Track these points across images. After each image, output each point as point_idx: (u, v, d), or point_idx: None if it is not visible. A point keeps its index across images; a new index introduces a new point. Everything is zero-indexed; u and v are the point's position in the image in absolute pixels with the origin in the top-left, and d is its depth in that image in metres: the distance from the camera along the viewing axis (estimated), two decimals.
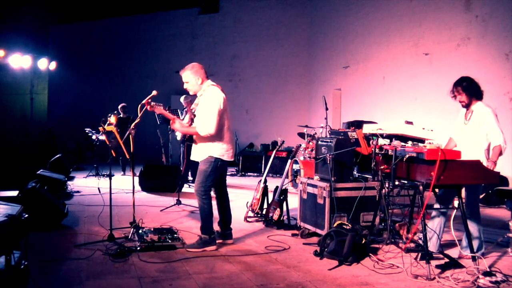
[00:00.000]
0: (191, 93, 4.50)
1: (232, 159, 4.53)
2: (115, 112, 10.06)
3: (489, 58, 7.96)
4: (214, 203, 4.55)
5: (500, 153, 3.99)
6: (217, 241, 4.53)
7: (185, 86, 4.46)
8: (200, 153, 4.45)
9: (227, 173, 11.36)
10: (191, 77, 4.40)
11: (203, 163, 4.43)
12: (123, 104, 10.32)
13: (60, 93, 15.94)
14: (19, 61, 13.24)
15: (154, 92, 4.80)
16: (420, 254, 3.97)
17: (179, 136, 8.85)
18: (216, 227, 4.67)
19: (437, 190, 4.12)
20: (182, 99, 8.95)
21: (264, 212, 5.66)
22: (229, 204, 4.73)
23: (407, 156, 3.84)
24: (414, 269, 3.80)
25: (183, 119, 8.97)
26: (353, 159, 4.88)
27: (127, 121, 9.96)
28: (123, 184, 8.49)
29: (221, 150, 4.39)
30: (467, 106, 4.20)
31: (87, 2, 16.03)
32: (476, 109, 4.11)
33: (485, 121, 4.03)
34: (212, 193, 4.52)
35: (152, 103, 4.48)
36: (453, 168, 3.63)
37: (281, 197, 5.51)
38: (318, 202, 4.74)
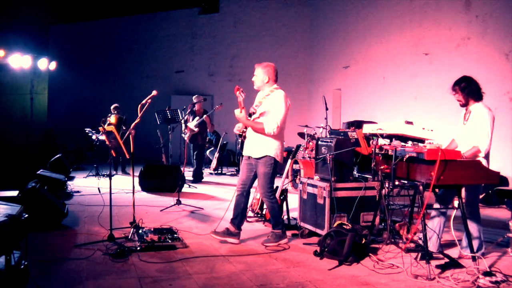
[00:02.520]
0: (255, 87, 4.68)
1: (282, 162, 4.65)
2: (109, 114, 10.13)
3: (489, 58, 7.96)
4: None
5: (474, 156, 3.98)
6: (223, 239, 4.62)
7: (253, 78, 4.66)
8: (257, 149, 4.56)
9: (228, 173, 11.44)
10: (261, 73, 4.60)
11: (263, 165, 4.51)
12: (115, 104, 10.31)
13: (60, 93, 15.92)
14: (19, 61, 13.23)
15: (154, 92, 4.82)
16: (420, 254, 3.97)
17: (186, 136, 8.90)
18: (226, 224, 4.72)
19: (437, 190, 4.12)
20: (194, 98, 8.99)
21: (264, 212, 5.66)
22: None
23: (407, 156, 3.84)
24: (414, 269, 3.80)
25: (192, 120, 9.12)
26: (353, 159, 4.88)
27: (119, 122, 10.00)
28: (123, 184, 8.49)
29: (277, 151, 4.54)
30: (464, 105, 4.21)
31: (87, 2, 16.02)
32: (475, 109, 4.11)
33: (481, 122, 4.02)
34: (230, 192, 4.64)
35: (241, 88, 4.59)
36: (453, 168, 3.64)
37: (281, 197, 5.50)
38: (318, 202, 4.74)
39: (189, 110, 8.92)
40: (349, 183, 4.75)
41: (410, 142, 4.10)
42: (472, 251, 3.80)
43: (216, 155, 11.06)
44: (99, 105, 13.63)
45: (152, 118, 8.99)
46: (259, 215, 5.76)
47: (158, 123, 9.18)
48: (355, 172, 5.08)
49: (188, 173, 10.02)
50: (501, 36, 7.77)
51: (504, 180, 7.27)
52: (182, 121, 8.14)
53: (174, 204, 6.50)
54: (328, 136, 5.79)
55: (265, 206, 5.71)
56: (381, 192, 4.37)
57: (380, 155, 4.24)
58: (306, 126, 9.02)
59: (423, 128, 4.11)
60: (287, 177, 5.96)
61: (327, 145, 4.81)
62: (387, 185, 4.15)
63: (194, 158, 9.44)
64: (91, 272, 3.66)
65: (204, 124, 9.08)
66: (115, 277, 3.57)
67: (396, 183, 4.00)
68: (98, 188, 7.34)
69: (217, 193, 8.03)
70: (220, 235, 4.65)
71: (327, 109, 9.09)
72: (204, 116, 8.95)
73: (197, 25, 14.93)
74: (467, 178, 3.74)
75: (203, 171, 9.95)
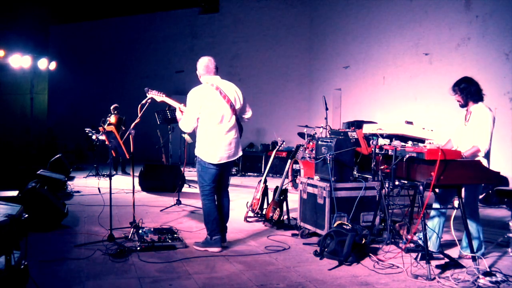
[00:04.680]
0: None
1: (218, 162, 4.30)
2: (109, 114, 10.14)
3: (489, 58, 7.96)
4: None
5: (474, 155, 3.98)
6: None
7: None
8: (195, 149, 4.46)
9: None
10: (197, 69, 4.48)
11: (196, 164, 4.44)
12: (115, 104, 10.32)
13: (60, 93, 15.94)
14: (19, 61, 13.24)
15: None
16: (420, 254, 3.97)
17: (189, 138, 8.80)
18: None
19: (436, 190, 4.12)
20: None
21: (264, 212, 5.66)
22: (226, 206, 4.58)
23: (407, 156, 3.84)
24: (414, 269, 3.80)
25: None
26: (353, 159, 4.88)
27: (119, 122, 10.02)
28: (123, 184, 8.49)
29: (202, 151, 4.33)
30: (463, 106, 4.20)
31: (87, 2, 16.03)
32: (475, 110, 4.10)
33: (481, 121, 4.01)
34: None
35: (150, 90, 4.64)
36: (453, 168, 3.63)
37: (281, 197, 5.51)
38: (318, 202, 4.74)
39: None
40: (349, 183, 4.75)
41: (410, 142, 4.10)
42: (472, 251, 3.80)
43: None
44: (99, 105, 13.64)
45: (152, 118, 8.98)
46: (259, 215, 5.76)
47: (158, 123, 9.17)
48: (355, 172, 5.08)
49: (188, 173, 10.02)
50: (501, 36, 7.77)
51: (504, 180, 7.27)
52: None
53: (174, 204, 6.51)
54: (328, 136, 5.80)
55: (265, 206, 5.73)
56: (381, 192, 4.37)
57: (380, 155, 4.24)
58: (306, 126, 9.02)
59: (423, 128, 4.11)
60: (287, 177, 5.96)
61: (327, 145, 4.81)
62: (387, 185, 4.15)
63: None
64: (91, 272, 3.66)
65: None
66: (115, 277, 3.56)
67: (396, 183, 4.00)
68: (98, 188, 7.34)
69: None
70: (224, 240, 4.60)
71: (327, 109, 9.09)
72: None
73: (197, 25, 14.94)
74: (467, 178, 3.74)
75: None
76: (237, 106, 4.41)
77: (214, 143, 4.29)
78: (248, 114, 4.60)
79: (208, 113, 4.26)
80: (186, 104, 4.32)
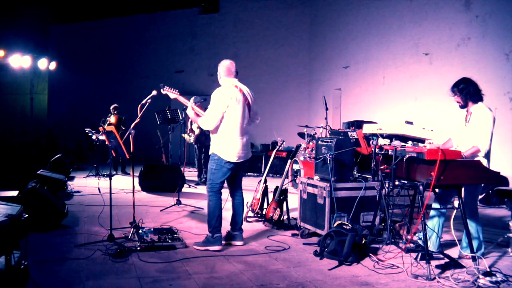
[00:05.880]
0: None
1: (237, 161, 4.41)
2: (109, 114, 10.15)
3: (489, 58, 7.96)
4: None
5: (474, 155, 3.97)
6: (224, 242, 4.52)
7: None
8: (211, 147, 4.51)
9: None
10: (218, 71, 4.58)
11: (210, 160, 4.48)
12: (115, 104, 10.33)
13: (60, 93, 15.93)
14: (19, 61, 13.23)
15: (154, 92, 4.83)
16: (420, 254, 3.97)
17: (192, 139, 8.81)
18: (228, 227, 4.70)
19: (436, 190, 4.12)
20: (192, 99, 8.91)
21: (264, 212, 5.66)
22: (240, 205, 4.68)
23: (407, 156, 3.84)
24: (414, 269, 3.80)
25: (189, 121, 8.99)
26: (353, 159, 4.88)
27: (119, 122, 10.03)
28: (123, 184, 8.49)
29: (222, 149, 4.39)
30: (463, 107, 4.20)
31: (87, 2, 16.03)
32: (475, 110, 4.10)
33: (481, 122, 4.01)
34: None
35: (165, 87, 4.64)
36: (453, 168, 3.63)
37: (281, 197, 5.50)
38: (318, 202, 4.74)
39: None
40: (349, 183, 4.75)
41: (410, 142, 4.10)
42: (472, 251, 3.80)
43: None
44: (99, 105, 13.64)
45: (152, 118, 8.98)
46: (259, 215, 5.76)
47: (158, 123, 9.18)
48: (355, 172, 5.07)
49: (188, 173, 10.03)
50: (501, 36, 7.78)
51: (504, 180, 7.27)
52: (188, 124, 8.09)
53: (174, 204, 6.50)
54: (328, 136, 5.80)
55: (265, 206, 5.73)
56: (381, 192, 4.37)
57: (380, 155, 4.24)
58: (306, 126, 9.03)
59: (423, 128, 4.11)
60: (287, 177, 5.96)
61: (327, 145, 4.81)
62: (387, 185, 4.15)
63: (203, 160, 9.06)
64: (91, 272, 3.67)
65: None
66: (115, 277, 3.57)
67: (396, 183, 4.00)
68: (98, 188, 7.34)
69: None
70: (224, 240, 4.60)
71: (327, 109, 9.09)
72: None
73: (197, 25, 14.94)
74: (467, 178, 3.74)
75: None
76: (253, 109, 4.56)
77: (235, 142, 4.40)
78: (258, 119, 4.73)
79: (232, 113, 4.36)
80: (213, 100, 4.37)
